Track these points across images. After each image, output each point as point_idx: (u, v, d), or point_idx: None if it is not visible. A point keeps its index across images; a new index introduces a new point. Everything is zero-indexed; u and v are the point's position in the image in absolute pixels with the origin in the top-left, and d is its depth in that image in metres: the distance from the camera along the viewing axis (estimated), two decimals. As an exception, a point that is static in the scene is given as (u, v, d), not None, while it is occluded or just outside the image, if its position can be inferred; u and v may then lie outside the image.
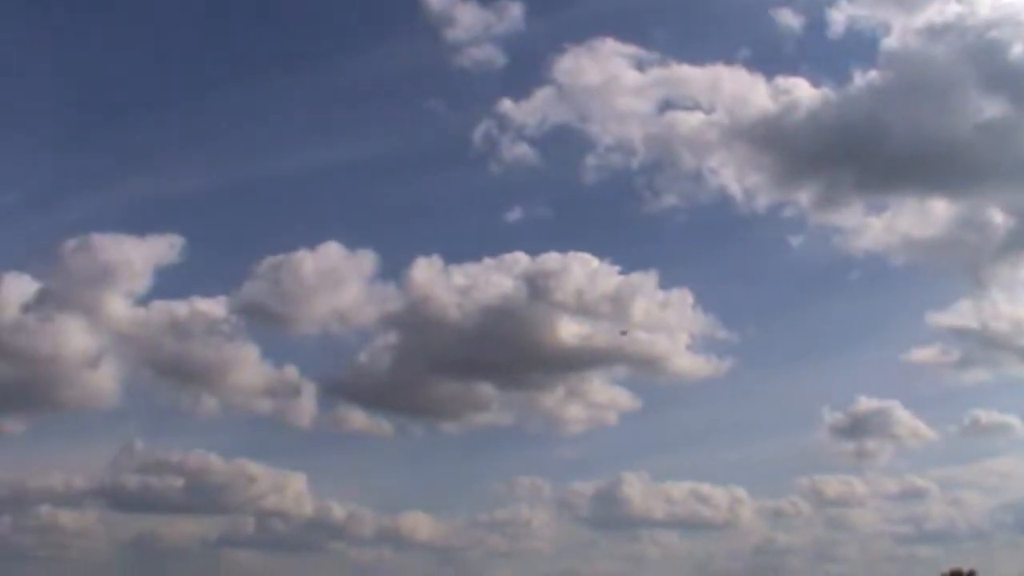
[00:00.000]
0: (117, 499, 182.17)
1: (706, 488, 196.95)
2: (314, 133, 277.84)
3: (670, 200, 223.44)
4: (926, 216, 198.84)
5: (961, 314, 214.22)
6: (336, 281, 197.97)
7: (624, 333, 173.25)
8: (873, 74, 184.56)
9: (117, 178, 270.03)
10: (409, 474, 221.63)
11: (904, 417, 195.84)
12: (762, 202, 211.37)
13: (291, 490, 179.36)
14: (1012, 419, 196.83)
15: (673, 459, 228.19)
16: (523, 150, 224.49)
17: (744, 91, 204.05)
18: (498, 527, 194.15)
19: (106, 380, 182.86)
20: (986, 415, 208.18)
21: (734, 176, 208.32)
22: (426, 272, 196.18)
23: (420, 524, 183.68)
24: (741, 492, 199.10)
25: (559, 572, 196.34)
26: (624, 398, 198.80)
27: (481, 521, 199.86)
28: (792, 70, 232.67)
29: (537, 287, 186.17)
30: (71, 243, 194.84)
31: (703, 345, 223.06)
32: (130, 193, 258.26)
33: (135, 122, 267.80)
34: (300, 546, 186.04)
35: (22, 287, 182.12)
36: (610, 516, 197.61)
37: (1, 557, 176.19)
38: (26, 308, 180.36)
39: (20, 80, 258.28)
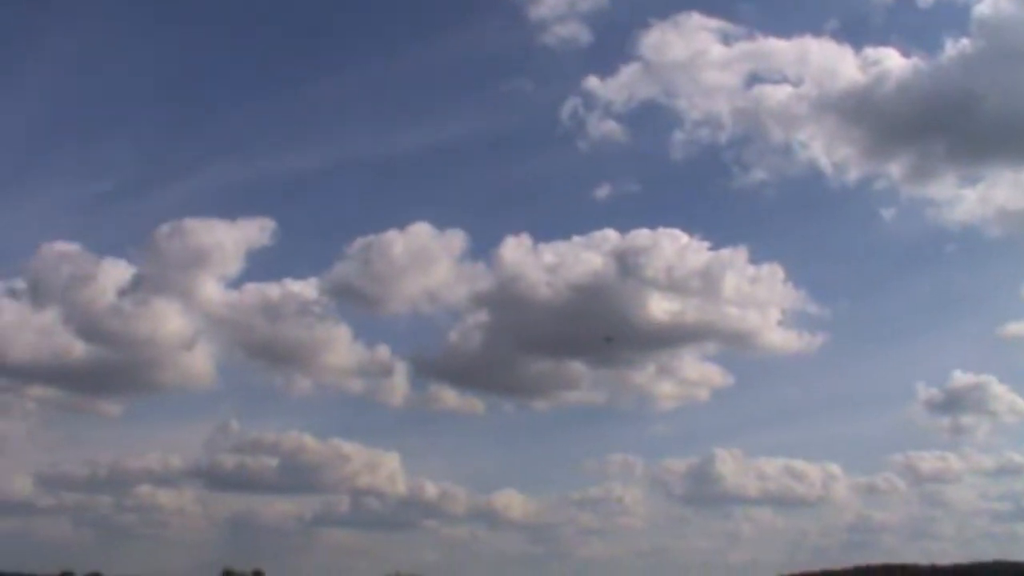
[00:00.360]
0: (214, 478, 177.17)
1: (799, 464, 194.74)
2: (402, 116, 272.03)
3: (759, 174, 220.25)
4: (1022, 187, 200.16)
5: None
6: (426, 261, 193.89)
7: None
8: (965, 42, 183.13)
9: (209, 164, 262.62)
10: (501, 452, 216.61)
11: (1001, 392, 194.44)
12: (853, 175, 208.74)
13: (385, 469, 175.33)
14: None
15: (766, 435, 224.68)
16: (610, 127, 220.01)
17: (832, 62, 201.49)
18: (590, 504, 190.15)
19: (201, 362, 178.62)
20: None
21: (824, 149, 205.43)
22: (515, 251, 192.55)
23: (512, 502, 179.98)
24: (835, 468, 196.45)
25: (651, 549, 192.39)
26: (716, 374, 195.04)
27: (573, 499, 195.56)
28: (882, 40, 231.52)
29: (627, 264, 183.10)
30: (165, 228, 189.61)
31: (794, 320, 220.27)
32: (222, 178, 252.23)
33: (226, 109, 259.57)
34: (394, 524, 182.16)
35: (118, 272, 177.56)
36: (703, 493, 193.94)
37: (103, 535, 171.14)
38: (122, 293, 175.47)
39: (113, 72, 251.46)
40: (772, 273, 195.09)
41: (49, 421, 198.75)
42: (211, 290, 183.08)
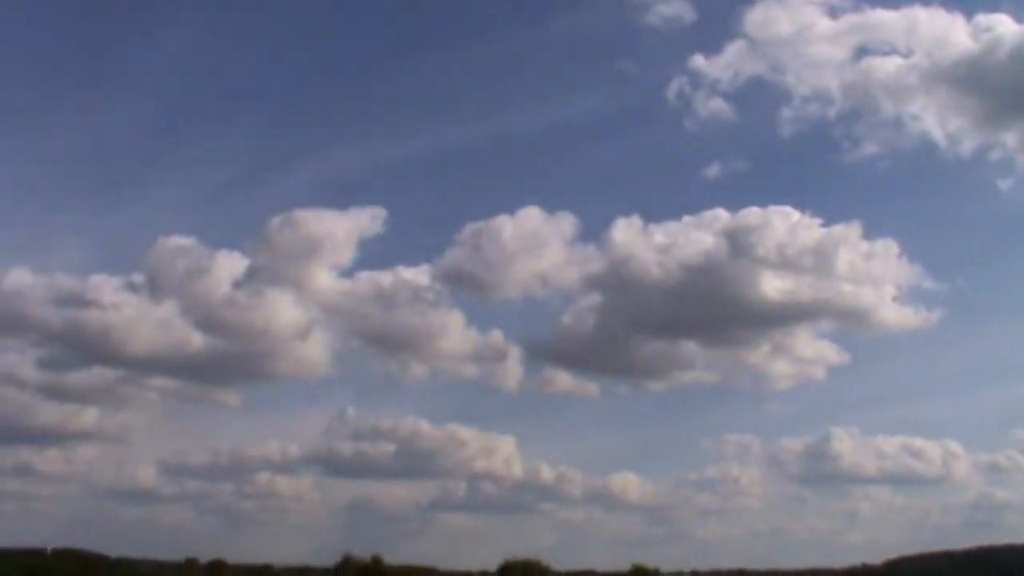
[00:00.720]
0: (332, 465, 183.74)
1: (919, 442, 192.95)
2: (509, 101, 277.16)
3: (870, 148, 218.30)
4: None
5: None
6: (537, 245, 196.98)
7: None
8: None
9: (319, 155, 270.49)
10: (617, 434, 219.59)
11: None
12: (967, 146, 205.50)
13: (501, 453, 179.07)
14: None
15: (883, 413, 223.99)
16: (718, 105, 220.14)
17: (943, 31, 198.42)
18: (707, 485, 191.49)
19: (316, 351, 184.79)
20: None
21: (936, 120, 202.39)
22: (626, 232, 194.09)
23: (629, 484, 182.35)
24: (955, 446, 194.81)
25: (768, 529, 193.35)
26: (831, 352, 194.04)
27: (690, 479, 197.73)
28: (994, 6, 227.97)
29: (738, 243, 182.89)
30: (277, 220, 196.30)
31: (910, 296, 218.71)
32: (332, 169, 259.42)
33: (334, 100, 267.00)
34: (510, 508, 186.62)
35: (233, 264, 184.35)
36: (820, 472, 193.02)
37: (225, 522, 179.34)
38: (237, 284, 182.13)
39: (223, 68, 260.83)
40: (887, 248, 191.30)
41: (170, 411, 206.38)
42: (324, 280, 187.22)
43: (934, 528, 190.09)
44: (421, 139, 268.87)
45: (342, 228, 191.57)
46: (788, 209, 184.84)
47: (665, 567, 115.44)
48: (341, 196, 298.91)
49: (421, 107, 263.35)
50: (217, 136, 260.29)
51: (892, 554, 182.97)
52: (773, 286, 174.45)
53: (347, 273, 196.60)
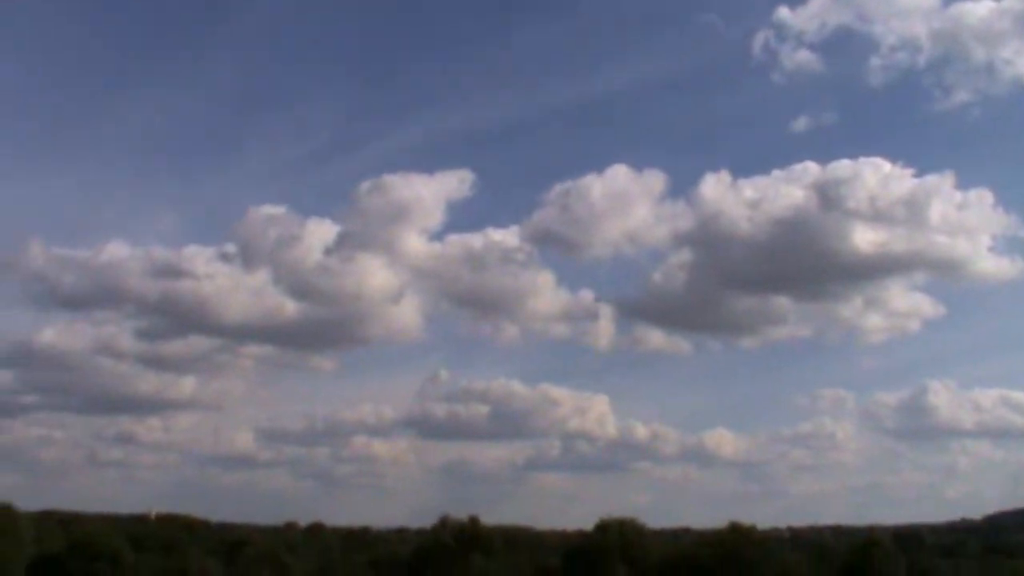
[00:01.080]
0: (426, 428, 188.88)
1: (1018, 395, 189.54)
2: (593, 60, 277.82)
3: (962, 96, 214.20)
4: None
5: None
6: (625, 202, 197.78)
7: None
8: None
9: (405, 120, 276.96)
10: (710, 391, 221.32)
11: None
12: None
13: (594, 412, 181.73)
14: None
15: (981, 366, 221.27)
16: (804, 57, 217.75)
17: None
18: (802, 440, 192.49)
19: (408, 314, 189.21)
20: None
21: None
22: (715, 188, 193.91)
23: (723, 440, 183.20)
24: None
25: (865, 484, 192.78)
26: (926, 304, 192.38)
27: (784, 435, 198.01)
28: None
29: (828, 196, 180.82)
30: (366, 186, 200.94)
31: (1007, 246, 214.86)
32: (419, 133, 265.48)
33: (419, 66, 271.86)
34: (605, 466, 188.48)
35: (323, 231, 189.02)
36: (916, 426, 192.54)
37: (323, 485, 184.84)
38: (328, 251, 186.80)
39: (309, 37, 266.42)
40: (981, 198, 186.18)
41: (265, 378, 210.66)
42: (414, 243, 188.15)
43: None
44: (508, 101, 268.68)
45: (430, 192, 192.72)
46: (879, 160, 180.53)
47: (761, 524, 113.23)
48: (429, 160, 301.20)
49: (507, 69, 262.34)
50: (305, 105, 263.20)
51: (992, 509, 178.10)
52: (865, 239, 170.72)
53: (437, 236, 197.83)
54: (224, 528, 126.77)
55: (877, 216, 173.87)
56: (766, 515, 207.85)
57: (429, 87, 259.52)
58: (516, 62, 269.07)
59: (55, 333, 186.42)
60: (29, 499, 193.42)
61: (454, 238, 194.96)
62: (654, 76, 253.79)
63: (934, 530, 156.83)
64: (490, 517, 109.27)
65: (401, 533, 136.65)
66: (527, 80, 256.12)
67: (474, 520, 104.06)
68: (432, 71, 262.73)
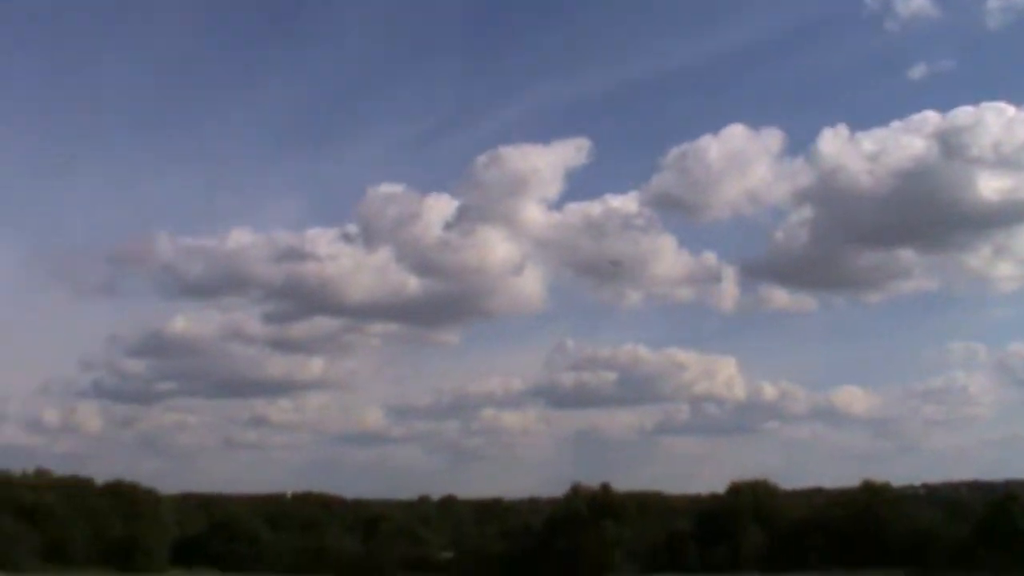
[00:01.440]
0: (554, 397, 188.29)
1: None
2: (704, 19, 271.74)
3: None
4: None
5: None
6: (743, 162, 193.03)
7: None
8: None
9: (518, 92, 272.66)
10: (837, 348, 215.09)
11: None
12: None
13: (721, 374, 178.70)
14: None
15: None
16: (919, 3, 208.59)
17: None
18: (934, 395, 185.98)
19: (531, 285, 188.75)
20: None
21: None
22: (833, 142, 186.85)
23: (853, 398, 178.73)
24: None
25: (1001, 438, 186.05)
26: None
27: (916, 390, 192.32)
28: None
29: (950, 144, 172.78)
30: (483, 159, 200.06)
31: None
32: (531, 104, 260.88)
33: (530, 35, 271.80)
34: (735, 428, 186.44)
35: (442, 207, 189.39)
36: None
37: (454, 459, 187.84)
38: (448, 226, 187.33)
39: (421, 11, 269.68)
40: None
41: (392, 356, 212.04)
42: (534, 214, 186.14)
43: None
44: (620, 67, 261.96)
45: (547, 162, 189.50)
46: (1002, 105, 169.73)
47: (895, 481, 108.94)
48: (544, 130, 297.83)
49: (618, 34, 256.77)
50: (416, 83, 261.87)
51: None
52: (990, 186, 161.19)
53: (556, 206, 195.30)
54: (359, 504, 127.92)
55: (1002, 162, 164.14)
56: (899, 473, 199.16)
57: (541, 57, 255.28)
58: (627, 25, 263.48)
59: (185, 321, 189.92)
60: (169, 483, 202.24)
61: (573, 207, 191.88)
62: (766, 33, 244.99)
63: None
64: (621, 484, 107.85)
65: (533, 503, 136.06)
66: (639, 44, 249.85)
67: (605, 487, 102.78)
68: (544, 41, 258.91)
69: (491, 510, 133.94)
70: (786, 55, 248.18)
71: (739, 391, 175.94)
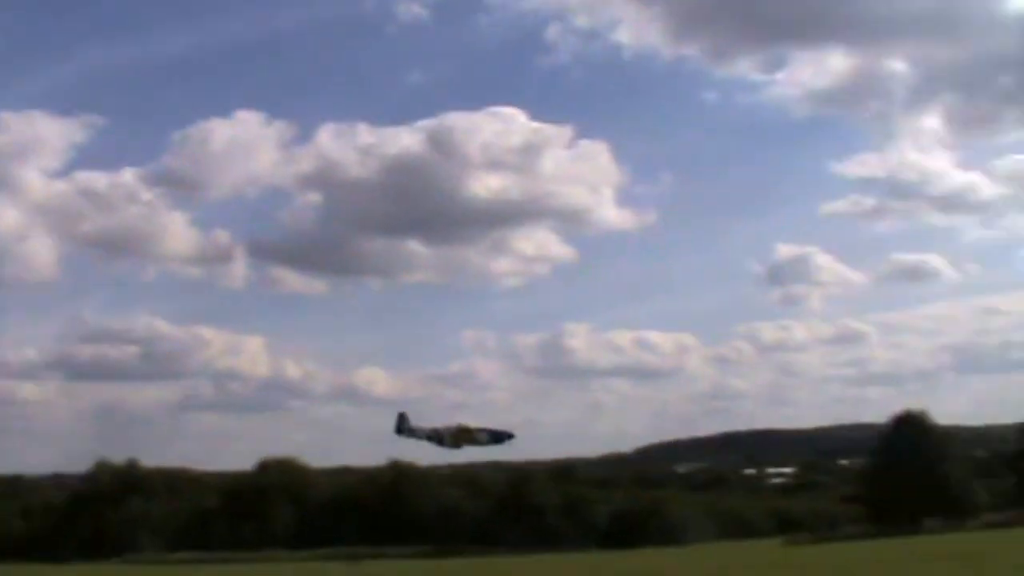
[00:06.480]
0: (73, 369, 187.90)
1: (653, 335, 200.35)
2: (224, 8, 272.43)
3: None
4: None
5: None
6: (250, 146, 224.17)
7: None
8: None
9: (42, 63, 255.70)
10: (358, 331, 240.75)
11: (826, 263, 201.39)
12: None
13: (246, 352, 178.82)
14: (935, 263, 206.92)
15: (614, 311, 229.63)
16: (416, 11, 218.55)
17: None
18: (452, 380, 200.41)
19: (40, 253, 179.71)
20: (905, 259, 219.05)
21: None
22: (336, 135, 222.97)
23: (376, 379, 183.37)
24: (689, 339, 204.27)
25: (520, 421, 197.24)
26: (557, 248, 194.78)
27: (435, 374, 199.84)
28: None
29: (443, 143, 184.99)
30: None
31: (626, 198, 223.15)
32: (50, 77, 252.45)
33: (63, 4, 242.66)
34: (261, 406, 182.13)
35: None
36: (556, 366, 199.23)
37: None
38: None
39: None
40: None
41: None
42: (36, 183, 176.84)
43: (675, 416, 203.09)
44: (142, 47, 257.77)
45: (56, 132, 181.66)
46: (494, 109, 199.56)
47: (422, 461, 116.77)
48: (58, 103, 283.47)
49: (146, 14, 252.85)
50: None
51: (641, 443, 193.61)
52: (483, 185, 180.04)
53: (60, 176, 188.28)
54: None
55: (493, 163, 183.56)
56: (424, 454, 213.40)
57: (62, 30, 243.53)
58: (156, 7, 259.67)
59: None
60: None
61: (79, 177, 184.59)
62: (282, 27, 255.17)
63: (588, 464, 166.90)
64: (149, 460, 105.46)
65: (58, 479, 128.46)
66: (164, 26, 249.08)
67: (132, 463, 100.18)
68: (65, 16, 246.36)
69: (11, 486, 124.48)
70: (298, 50, 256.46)
71: (263, 369, 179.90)
